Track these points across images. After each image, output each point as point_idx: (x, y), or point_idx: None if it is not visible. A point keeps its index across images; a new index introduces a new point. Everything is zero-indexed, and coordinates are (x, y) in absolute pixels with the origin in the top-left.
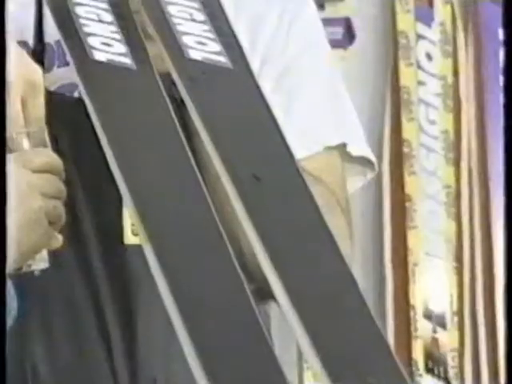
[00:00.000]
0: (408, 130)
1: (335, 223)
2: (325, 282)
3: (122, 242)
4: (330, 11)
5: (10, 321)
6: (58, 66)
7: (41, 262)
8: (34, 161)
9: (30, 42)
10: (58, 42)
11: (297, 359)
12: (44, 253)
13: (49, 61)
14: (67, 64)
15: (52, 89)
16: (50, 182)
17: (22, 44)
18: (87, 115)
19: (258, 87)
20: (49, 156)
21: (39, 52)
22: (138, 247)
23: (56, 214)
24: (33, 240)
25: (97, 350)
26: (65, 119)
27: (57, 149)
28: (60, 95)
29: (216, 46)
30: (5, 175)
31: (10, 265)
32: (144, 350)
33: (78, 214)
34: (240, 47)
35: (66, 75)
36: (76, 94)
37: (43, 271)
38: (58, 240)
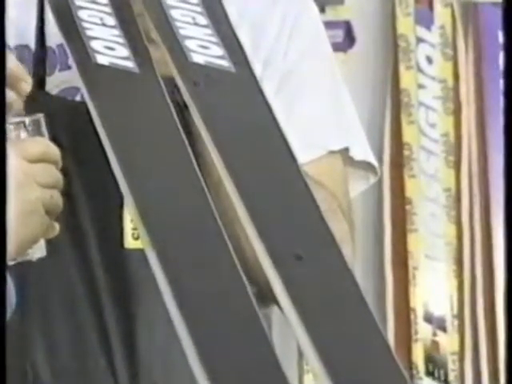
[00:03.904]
0: (408, 133)
1: (337, 227)
2: (327, 284)
3: (123, 246)
4: (331, 14)
5: (8, 315)
6: (60, 70)
7: (38, 251)
8: (31, 150)
9: (32, 45)
10: (59, 45)
11: (297, 362)
12: (41, 242)
13: (50, 64)
14: (69, 68)
15: (54, 93)
16: (46, 172)
17: (24, 48)
18: (89, 119)
19: (261, 91)
20: (45, 145)
21: (41, 56)
22: (139, 251)
23: (53, 203)
24: (30, 229)
25: (97, 353)
26: (66, 123)
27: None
28: (62, 99)
29: (219, 50)
30: (5, 169)
31: (8, 255)
32: (144, 353)
33: (78, 218)
34: (243, 51)
35: (67, 79)
36: (78, 98)
37: (43, 272)
38: (55, 229)
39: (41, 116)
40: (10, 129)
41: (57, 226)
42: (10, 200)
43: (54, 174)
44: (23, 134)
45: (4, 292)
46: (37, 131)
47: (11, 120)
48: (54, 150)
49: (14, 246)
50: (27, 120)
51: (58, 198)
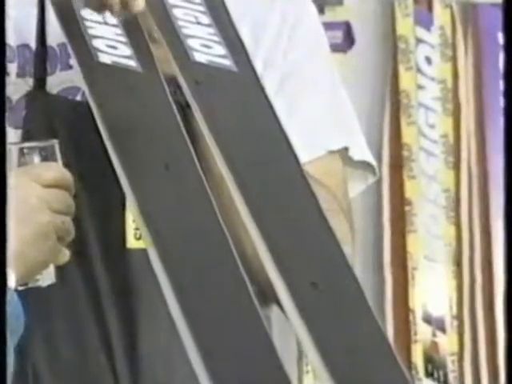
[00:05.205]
0: (408, 134)
1: (338, 227)
2: (328, 284)
3: (125, 246)
4: (330, 15)
5: (15, 339)
6: (61, 70)
7: (47, 277)
8: (45, 175)
9: (33, 45)
10: (60, 45)
11: (296, 362)
12: (51, 268)
13: (51, 64)
14: (70, 67)
15: (54, 92)
16: (59, 198)
17: (25, 47)
18: (90, 118)
19: (262, 90)
20: (59, 171)
21: (41, 55)
22: (141, 251)
23: (64, 229)
24: (41, 255)
25: (98, 353)
26: (67, 122)
27: (60, 152)
28: (63, 98)
29: (221, 49)
30: (5, 188)
31: (18, 279)
32: (146, 353)
33: (80, 217)
34: (245, 50)
35: (68, 78)
36: (79, 97)
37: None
38: (66, 255)
39: (55, 142)
40: (23, 153)
41: (67, 253)
42: (15, 221)
43: (67, 201)
44: (37, 159)
45: (5, 292)
46: (50, 156)
47: (25, 144)
48: (68, 177)
49: (23, 269)
50: (41, 145)
51: (69, 225)
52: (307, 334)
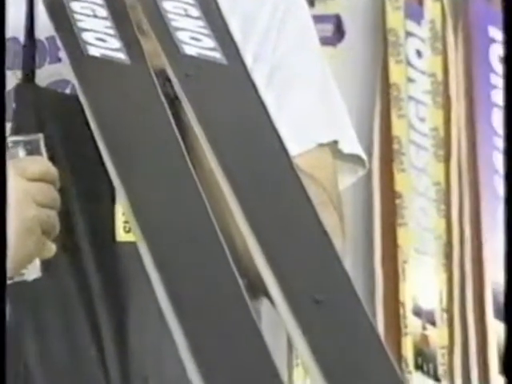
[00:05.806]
0: (398, 127)
1: (328, 220)
2: (318, 278)
3: (114, 240)
4: (320, 8)
5: None
6: (50, 63)
7: (33, 272)
8: (30, 169)
9: (21, 38)
10: (49, 38)
11: (286, 356)
12: (36, 262)
13: (40, 57)
14: (59, 60)
15: (44, 85)
16: (44, 191)
17: (14, 40)
18: (79, 111)
19: (252, 83)
20: (44, 165)
21: (30, 48)
22: (130, 244)
23: (50, 223)
24: (26, 249)
25: (88, 349)
26: (56, 115)
27: (48, 145)
28: (52, 91)
29: (211, 42)
30: (5, 183)
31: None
32: (136, 348)
33: (69, 211)
34: (235, 43)
35: (57, 71)
36: (68, 91)
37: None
38: (51, 249)
39: (40, 136)
40: (8, 147)
41: (53, 247)
42: (10, 211)
43: (52, 194)
44: (22, 153)
45: (4, 293)
46: (36, 150)
47: (11, 138)
48: (53, 171)
49: (10, 264)
50: (26, 139)
51: (54, 219)
52: (297, 329)
